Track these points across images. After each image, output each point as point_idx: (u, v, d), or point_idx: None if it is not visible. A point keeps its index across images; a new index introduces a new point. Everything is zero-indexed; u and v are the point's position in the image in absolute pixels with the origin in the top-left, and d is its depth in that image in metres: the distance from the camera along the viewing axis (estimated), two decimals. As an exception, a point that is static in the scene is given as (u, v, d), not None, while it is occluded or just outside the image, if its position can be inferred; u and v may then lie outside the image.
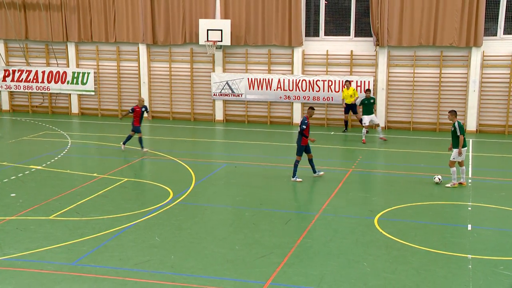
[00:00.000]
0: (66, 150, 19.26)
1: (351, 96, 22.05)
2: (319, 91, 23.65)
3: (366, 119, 20.81)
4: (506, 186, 15.33)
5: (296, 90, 23.93)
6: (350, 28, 23.45)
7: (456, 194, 14.50)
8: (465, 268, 10.03)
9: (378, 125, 21.02)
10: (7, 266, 10.06)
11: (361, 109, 21.11)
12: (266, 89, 24.22)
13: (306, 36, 23.83)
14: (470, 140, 20.25)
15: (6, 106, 27.51)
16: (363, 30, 23.36)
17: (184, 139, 21.62)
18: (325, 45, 23.67)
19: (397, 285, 9.40)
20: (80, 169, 16.80)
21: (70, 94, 26.52)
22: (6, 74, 26.83)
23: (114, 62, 25.92)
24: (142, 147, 18.58)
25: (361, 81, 23.00)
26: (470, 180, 15.54)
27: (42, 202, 13.58)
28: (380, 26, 22.42)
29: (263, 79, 24.20)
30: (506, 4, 21.87)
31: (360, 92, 22.63)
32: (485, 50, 22.10)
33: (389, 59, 22.98)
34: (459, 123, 14.74)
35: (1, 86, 27.04)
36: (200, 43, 23.90)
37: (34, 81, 26.58)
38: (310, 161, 15.74)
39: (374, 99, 21.11)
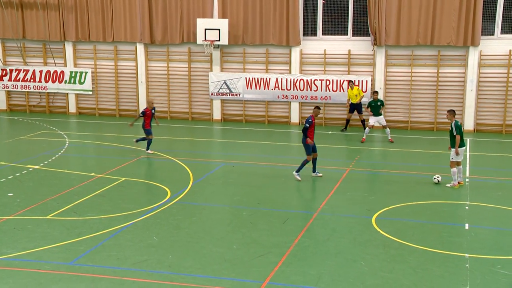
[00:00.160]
0: (63, 149, 19.25)
1: (356, 96, 22.08)
2: (316, 90, 23.67)
3: (372, 120, 20.80)
4: (503, 185, 15.36)
5: (294, 90, 23.94)
6: (347, 27, 23.47)
7: (454, 193, 14.52)
8: (463, 267, 10.05)
9: (386, 126, 20.91)
10: (5, 265, 10.05)
11: (369, 111, 20.96)
12: (264, 89, 24.23)
13: (303, 35, 23.84)
14: (468, 140, 20.27)
15: (3, 106, 27.46)
16: (360, 30, 23.39)
17: (182, 138, 21.62)
18: (322, 44, 23.69)
19: (395, 284, 9.42)
20: (78, 169, 16.78)
21: (67, 93, 26.49)
22: (4, 74, 26.78)
23: (112, 62, 25.91)
24: (147, 149, 18.61)
25: (359, 81, 23.03)
26: (467, 179, 15.56)
27: (39, 201, 13.57)
28: (377, 26, 22.43)
29: (261, 78, 24.21)
30: (503, 4, 21.91)
31: (365, 91, 22.68)
32: (482, 49, 22.13)
33: (387, 59, 23.01)
34: (456, 122, 14.74)
35: (-1, 86, 27.07)
36: (197, 43, 23.89)
37: (32, 80, 26.55)
38: (313, 160, 15.77)
39: (382, 102, 20.98)
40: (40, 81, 26.46)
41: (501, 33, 22.19)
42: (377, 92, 21.15)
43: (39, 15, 25.83)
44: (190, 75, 25.13)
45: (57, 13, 25.65)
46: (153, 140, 18.75)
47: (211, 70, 24.78)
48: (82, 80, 26.08)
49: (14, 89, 26.96)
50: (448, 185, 14.97)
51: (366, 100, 22.33)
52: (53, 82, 26.36)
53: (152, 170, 17.19)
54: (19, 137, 21.24)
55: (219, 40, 23.51)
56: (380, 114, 20.82)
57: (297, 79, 23.82)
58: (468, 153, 18.64)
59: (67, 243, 11.02)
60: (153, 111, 18.65)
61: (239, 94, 24.55)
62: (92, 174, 16.04)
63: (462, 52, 22.39)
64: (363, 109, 22.30)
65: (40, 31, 26.05)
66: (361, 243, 11.14)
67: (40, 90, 26.66)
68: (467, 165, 17.14)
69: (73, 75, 26.12)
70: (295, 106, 24.24)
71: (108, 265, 10.07)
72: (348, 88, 22.47)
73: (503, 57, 22.12)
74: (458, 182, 15.03)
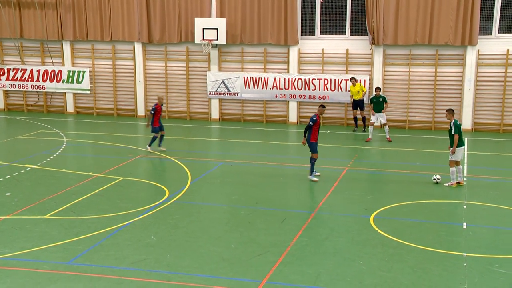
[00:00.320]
0: (61, 149, 19.22)
1: (358, 92, 22.11)
2: (314, 89, 23.67)
3: (373, 118, 20.83)
4: (501, 184, 15.37)
5: (292, 89, 23.94)
6: (345, 26, 23.47)
7: (452, 192, 14.53)
8: (460, 266, 10.06)
9: (385, 124, 20.90)
10: (2, 265, 10.03)
11: (371, 108, 20.99)
12: (262, 88, 24.22)
13: (301, 34, 23.84)
14: (466, 139, 20.27)
15: (1, 105, 27.42)
16: (358, 29, 23.39)
17: (180, 137, 21.60)
18: (320, 43, 23.69)
19: (393, 283, 9.42)
20: (76, 168, 16.76)
21: (65, 93, 26.46)
22: (1, 73, 26.74)
23: (110, 61, 25.88)
24: (149, 145, 18.62)
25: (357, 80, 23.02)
26: (465, 179, 15.56)
27: (37, 201, 13.55)
28: (375, 25, 22.45)
29: (259, 77, 24.20)
30: (501, 3, 21.92)
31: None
32: (480, 48, 22.16)
33: (385, 58, 23.02)
34: (455, 122, 14.75)
35: (-4, 85, 27.03)
36: (195, 42, 23.89)
37: (29, 79, 26.52)
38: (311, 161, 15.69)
39: (385, 98, 20.98)
40: (38, 80, 26.43)
41: (498, 33, 22.21)
42: (379, 88, 21.10)
43: (36, 14, 25.79)
44: (188, 74, 25.12)
45: (54, 12, 25.62)
46: (152, 139, 18.72)
47: (209, 70, 24.77)
48: (80, 80, 26.05)
49: (12, 89, 26.93)
50: (446, 184, 14.98)
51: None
52: (51, 81, 26.33)
53: (150, 170, 17.18)
54: (16, 137, 21.21)
55: (217, 40, 23.50)
56: (381, 110, 20.82)
57: (295, 79, 23.82)
58: (466, 152, 18.65)
59: (65, 243, 11.01)
60: (162, 107, 18.80)
61: (237, 94, 24.54)
62: (90, 173, 16.02)
63: (460, 52, 22.41)
64: (365, 105, 22.29)
65: (37, 30, 26.01)
66: (359, 242, 11.14)
67: (38, 90, 26.62)
68: (465, 164, 17.15)
69: (71, 74, 26.08)
70: (293, 106, 24.24)
71: (106, 264, 10.06)
72: (350, 85, 22.50)
73: (500, 56, 22.14)
74: (459, 182, 15.02)
